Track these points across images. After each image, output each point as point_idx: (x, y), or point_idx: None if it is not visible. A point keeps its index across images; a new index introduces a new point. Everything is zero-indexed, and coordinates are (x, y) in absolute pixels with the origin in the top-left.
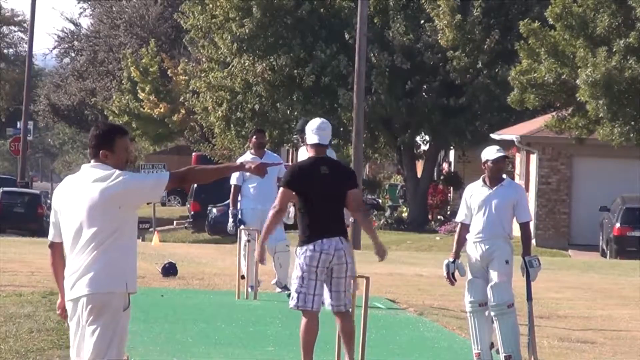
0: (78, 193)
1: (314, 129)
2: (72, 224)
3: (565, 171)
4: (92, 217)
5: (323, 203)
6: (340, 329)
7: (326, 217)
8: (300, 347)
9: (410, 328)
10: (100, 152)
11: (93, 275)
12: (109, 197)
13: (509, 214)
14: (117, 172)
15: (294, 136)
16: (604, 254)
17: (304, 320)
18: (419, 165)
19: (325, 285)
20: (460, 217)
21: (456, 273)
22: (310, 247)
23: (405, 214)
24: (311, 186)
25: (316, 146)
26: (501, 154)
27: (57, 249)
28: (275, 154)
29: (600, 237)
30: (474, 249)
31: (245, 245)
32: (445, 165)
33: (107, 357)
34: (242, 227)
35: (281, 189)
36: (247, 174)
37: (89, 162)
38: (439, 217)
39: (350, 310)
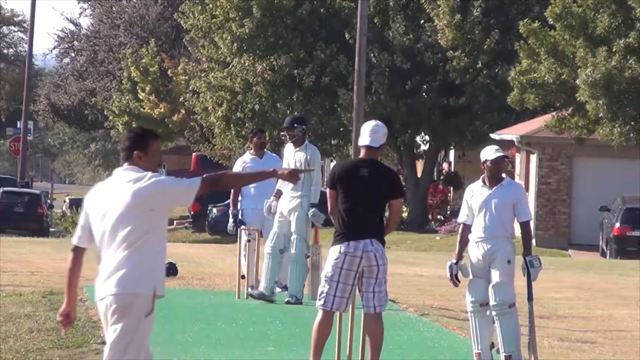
0: (112, 195)
1: (368, 131)
2: (105, 225)
3: (565, 171)
4: (125, 219)
5: (357, 205)
6: (366, 332)
7: (358, 219)
8: (311, 345)
9: (410, 328)
10: (135, 152)
11: (121, 276)
12: (142, 199)
13: (509, 214)
14: (150, 174)
15: (281, 133)
16: (604, 254)
17: (317, 318)
18: (419, 165)
19: (357, 288)
20: (461, 218)
21: (460, 274)
22: (337, 248)
23: (405, 214)
24: (347, 187)
25: (366, 148)
26: (500, 153)
27: (79, 253)
28: (274, 154)
29: (600, 237)
30: (475, 249)
31: (245, 245)
32: (445, 165)
33: (123, 358)
34: (242, 227)
35: (327, 190)
36: None
37: (121, 165)
38: (439, 217)
39: (379, 312)
